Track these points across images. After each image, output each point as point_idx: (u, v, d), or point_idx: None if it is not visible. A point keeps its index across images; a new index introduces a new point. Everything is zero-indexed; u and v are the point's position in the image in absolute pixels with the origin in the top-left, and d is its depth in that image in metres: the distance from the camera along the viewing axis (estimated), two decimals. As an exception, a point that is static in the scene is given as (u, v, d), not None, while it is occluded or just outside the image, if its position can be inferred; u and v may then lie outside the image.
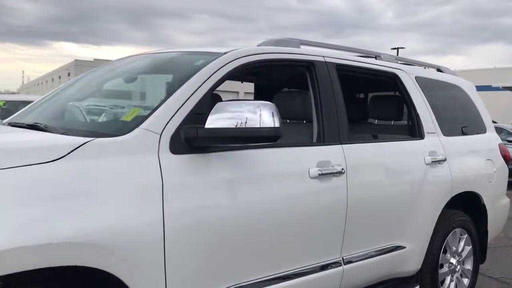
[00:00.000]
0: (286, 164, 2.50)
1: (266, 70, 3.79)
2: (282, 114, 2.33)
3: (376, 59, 3.52)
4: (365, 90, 4.64)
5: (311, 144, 2.77)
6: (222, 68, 2.39)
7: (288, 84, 4.36)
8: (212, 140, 2.09)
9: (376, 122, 4.27)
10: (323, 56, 2.95)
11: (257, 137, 2.08)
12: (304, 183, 2.54)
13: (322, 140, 2.76)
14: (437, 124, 3.58)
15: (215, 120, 2.07)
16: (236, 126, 2.06)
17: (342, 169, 2.71)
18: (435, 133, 3.54)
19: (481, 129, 4.18)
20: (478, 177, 3.83)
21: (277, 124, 2.09)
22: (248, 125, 2.07)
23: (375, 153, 3.03)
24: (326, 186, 2.64)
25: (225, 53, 2.49)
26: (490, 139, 4.20)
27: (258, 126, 2.07)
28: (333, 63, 2.97)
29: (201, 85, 2.27)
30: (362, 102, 4.55)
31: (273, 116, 2.09)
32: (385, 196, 3.01)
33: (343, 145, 2.82)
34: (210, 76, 2.33)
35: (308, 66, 2.85)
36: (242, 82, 4.23)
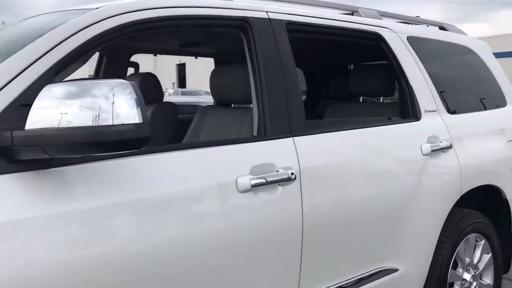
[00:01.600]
0: (198, 175, 1.66)
1: (177, 35, 2.85)
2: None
3: (353, 15, 2.62)
4: (338, 59, 3.73)
5: (242, 140, 1.91)
6: (84, 30, 1.54)
7: (215, 55, 3.49)
8: (36, 151, 1.26)
9: (360, 100, 3.38)
10: (266, 11, 2.06)
11: (104, 143, 1.23)
12: (228, 201, 1.70)
13: (264, 133, 1.91)
14: (439, 99, 2.67)
15: (45, 113, 1.24)
16: (81, 122, 1.22)
17: (292, 173, 1.85)
18: (436, 111, 2.63)
19: (500, 102, 3.24)
20: (498, 165, 2.92)
21: (138, 119, 1.24)
22: (101, 121, 1.23)
23: (345, 146, 2.15)
24: (265, 200, 1.79)
25: (97, 8, 1.64)
26: (512, 114, 3.26)
27: (110, 122, 1.23)
28: (281, 21, 2.08)
29: (39, 58, 1.43)
30: (339, 76, 3.64)
31: (135, 104, 1.24)
32: (360, 205, 2.14)
33: (295, 139, 1.95)
34: (58, 44, 1.48)
35: (242, 26, 1.98)
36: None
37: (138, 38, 3.00)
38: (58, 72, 1.47)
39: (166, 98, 11.36)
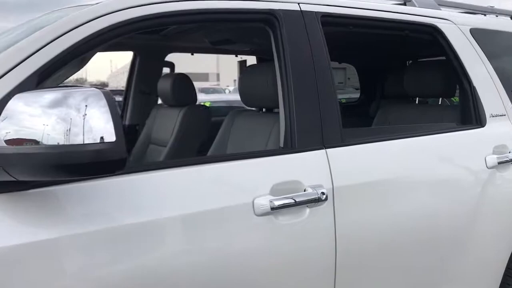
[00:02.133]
0: (207, 196, 1.41)
1: (206, 32, 2.61)
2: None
3: (405, 5, 2.27)
4: (392, 55, 3.35)
5: (263, 153, 1.65)
6: (81, 27, 1.33)
7: (255, 53, 3.21)
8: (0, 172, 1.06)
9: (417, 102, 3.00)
10: (298, 3, 1.78)
11: (70, 166, 1.01)
12: (242, 226, 1.45)
13: (291, 145, 1.63)
14: (509, 102, 2.27)
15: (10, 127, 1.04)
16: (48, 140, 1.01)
17: (323, 193, 1.56)
18: (504, 115, 2.23)
19: None
20: None
21: (111, 137, 1.01)
22: (71, 136, 1.02)
23: (390, 159, 1.83)
24: (288, 225, 1.52)
25: (98, 3, 1.43)
26: None
27: (81, 137, 1.01)
28: (315, 13, 1.79)
29: (24, 60, 1.24)
30: (394, 74, 3.26)
31: (110, 118, 1.01)
32: (409, 228, 1.81)
33: (328, 151, 1.66)
34: (49, 42, 1.28)
35: (269, 20, 1.71)
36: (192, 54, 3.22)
37: (171, 36, 2.82)
38: (46, 77, 1.28)
39: (222, 96, 11.13)
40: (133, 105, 3.25)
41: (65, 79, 1.60)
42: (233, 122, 2.29)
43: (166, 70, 3.33)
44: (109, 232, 1.23)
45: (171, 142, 2.75)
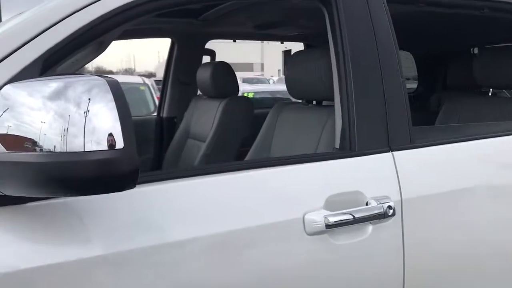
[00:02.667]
0: (246, 210, 1.15)
1: (250, 15, 2.33)
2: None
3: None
4: (459, 39, 2.96)
5: (315, 157, 1.36)
6: (86, 9, 1.09)
7: (304, 39, 2.89)
8: None
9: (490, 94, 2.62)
10: (359, -25, 1.47)
11: (65, 180, 0.77)
12: (291, 247, 1.18)
13: (350, 146, 1.34)
14: None
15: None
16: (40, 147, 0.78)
17: (390, 206, 1.27)
18: None
19: None
20: None
21: (119, 143, 0.76)
22: (69, 138, 0.78)
23: (469, 164, 1.50)
24: (347, 246, 1.24)
25: None
26: None
27: (80, 141, 0.76)
28: (380, -12, 1.48)
29: (26, 43, 1.01)
30: (459, 61, 2.88)
31: (117, 118, 0.76)
32: (494, 245, 1.49)
33: (395, 154, 1.36)
34: (57, 22, 1.05)
35: (324, -3, 1.42)
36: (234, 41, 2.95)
37: (211, 21, 2.56)
38: (53, 64, 1.05)
39: (266, 87, 10.78)
40: (171, 96, 3.03)
41: (80, 68, 1.36)
42: (279, 116, 2.01)
43: (206, 58, 3.09)
44: (143, 253, 0.99)
45: (210, 137, 2.51)
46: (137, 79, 6.97)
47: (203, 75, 2.65)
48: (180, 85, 3.00)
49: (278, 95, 7.45)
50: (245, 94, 7.74)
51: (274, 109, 2.06)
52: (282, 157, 1.40)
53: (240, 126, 2.56)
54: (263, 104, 4.49)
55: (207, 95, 2.74)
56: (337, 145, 1.39)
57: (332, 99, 1.53)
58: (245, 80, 20.37)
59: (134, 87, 6.26)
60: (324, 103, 1.89)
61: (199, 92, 2.99)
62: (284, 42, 3.39)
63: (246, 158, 2.04)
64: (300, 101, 2.01)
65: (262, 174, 1.21)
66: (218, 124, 2.51)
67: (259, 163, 1.33)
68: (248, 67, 36.23)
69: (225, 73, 2.60)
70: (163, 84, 3.06)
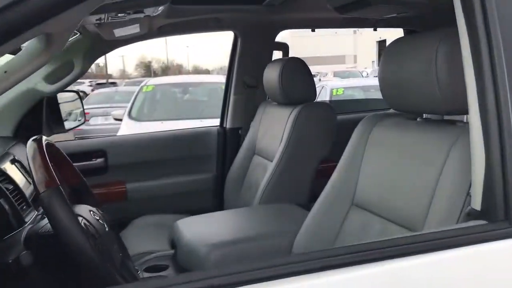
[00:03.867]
0: None
1: None
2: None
3: None
4: None
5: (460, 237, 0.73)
6: None
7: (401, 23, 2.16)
8: None
9: None
10: None
11: None
12: None
13: (507, 210, 0.69)
14: None
15: None
16: None
17: None
18: None
19: None
20: None
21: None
22: None
23: None
24: None
25: None
26: None
27: None
28: None
29: None
30: None
31: None
32: None
33: None
34: None
35: None
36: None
37: (280, 7, 1.98)
38: None
39: (358, 81, 9.97)
40: (235, 102, 2.49)
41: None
42: (371, 134, 1.38)
43: (278, 55, 2.51)
44: None
45: (278, 157, 1.93)
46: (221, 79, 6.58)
47: (270, 76, 2.07)
48: (246, 88, 2.46)
49: (371, 90, 6.67)
50: (334, 91, 7.04)
51: (364, 123, 1.42)
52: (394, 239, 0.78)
53: (317, 142, 1.95)
54: (352, 107, 3.82)
55: (276, 101, 2.16)
56: (477, 205, 0.75)
57: (458, 112, 0.88)
58: (336, 74, 19.47)
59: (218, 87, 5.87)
60: (445, 116, 1.22)
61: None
62: (378, 30, 2.70)
63: (328, 187, 1.44)
64: (398, 112, 1.36)
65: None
66: (287, 140, 1.92)
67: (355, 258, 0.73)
68: (340, 59, 34.97)
69: (297, 73, 2.00)
70: (225, 88, 2.53)
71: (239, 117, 2.48)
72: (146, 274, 1.62)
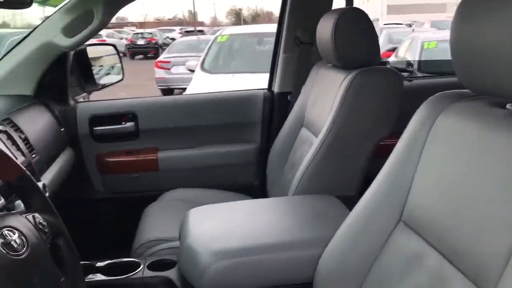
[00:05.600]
0: None
1: None
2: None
3: None
4: None
5: None
6: None
7: None
8: None
9: None
10: None
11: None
12: None
13: None
14: None
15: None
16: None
17: None
18: None
19: None
20: None
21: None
22: None
23: None
24: None
25: None
26: None
27: None
28: None
29: None
30: None
31: None
32: None
33: None
34: None
35: None
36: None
37: None
38: None
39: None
40: (284, 61, 2.09)
41: None
42: (434, 124, 0.95)
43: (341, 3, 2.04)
44: None
45: (324, 133, 1.53)
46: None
47: (322, 30, 1.65)
48: (299, 45, 2.04)
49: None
50: (425, 44, 6.26)
51: (427, 106, 0.99)
52: None
53: (374, 118, 1.53)
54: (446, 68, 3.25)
55: (330, 62, 1.74)
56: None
57: None
58: (434, 24, 17.78)
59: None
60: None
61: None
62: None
63: (371, 191, 1.06)
64: (485, 96, 0.90)
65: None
66: (336, 112, 1.52)
67: None
68: (440, 8, 31.95)
69: (355, 28, 1.55)
70: (275, 44, 2.13)
71: (289, 80, 2.08)
72: (148, 273, 1.36)
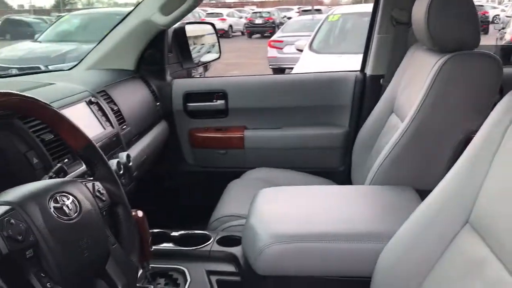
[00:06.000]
0: None
1: None
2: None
3: None
4: None
5: None
6: None
7: None
8: None
9: None
10: None
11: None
12: None
13: None
14: None
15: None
16: None
17: None
18: None
19: None
20: None
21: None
22: None
23: None
24: None
25: None
26: None
27: None
28: None
29: None
30: None
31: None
32: None
33: None
34: None
35: None
36: None
37: None
38: None
39: None
40: (379, 42, 1.97)
41: None
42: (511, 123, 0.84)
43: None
44: None
45: (408, 120, 1.43)
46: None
47: (417, 10, 1.53)
48: (395, 25, 1.92)
49: None
50: None
51: (506, 103, 0.87)
52: None
53: (465, 108, 1.39)
54: None
55: (424, 45, 1.61)
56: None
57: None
58: None
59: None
60: None
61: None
62: None
63: (440, 188, 0.97)
64: None
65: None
66: (423, 98, 1.41)
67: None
68: None
69: (451, 8, 1.41)
70: (370, 25, 2.03)
71: (382, 63, 1.97)
72: (216, 247, 1.40)
